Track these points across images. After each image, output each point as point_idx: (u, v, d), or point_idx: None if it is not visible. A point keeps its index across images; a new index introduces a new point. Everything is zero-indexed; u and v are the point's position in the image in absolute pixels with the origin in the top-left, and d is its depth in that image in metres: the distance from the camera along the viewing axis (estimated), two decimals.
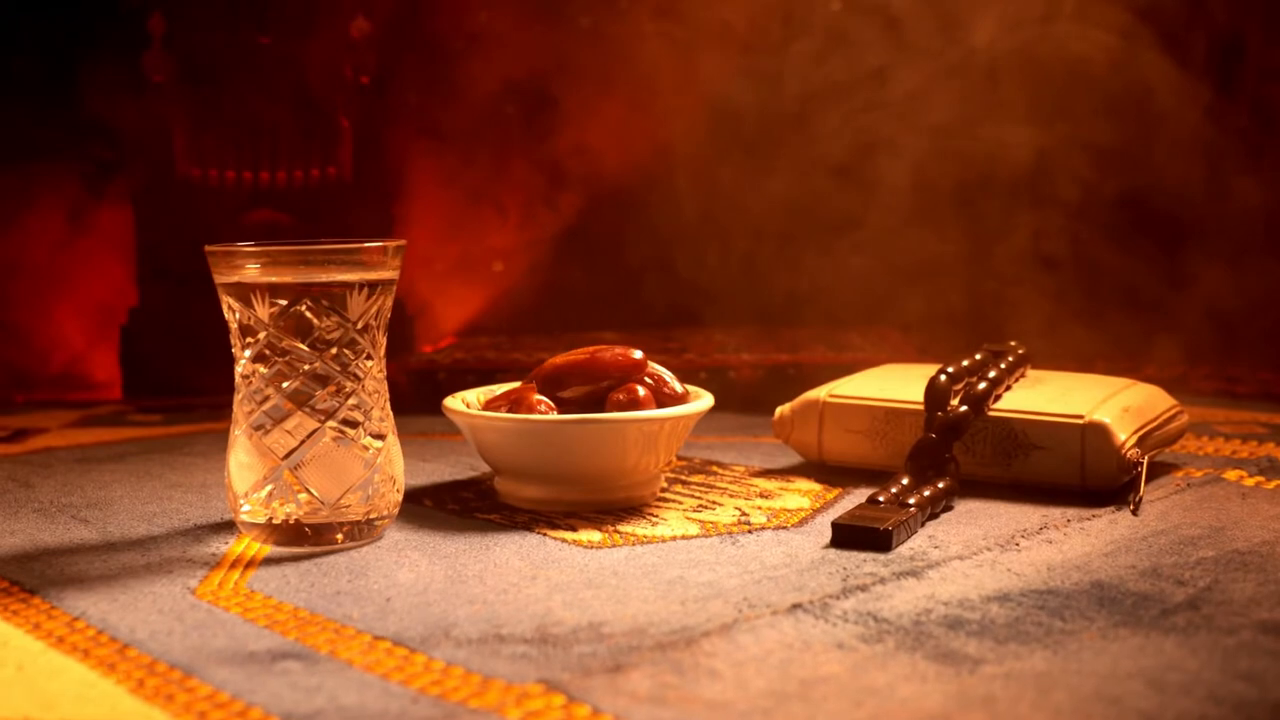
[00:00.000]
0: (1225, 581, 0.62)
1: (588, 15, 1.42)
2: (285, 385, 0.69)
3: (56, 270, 1.38)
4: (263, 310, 0.68)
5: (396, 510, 0.73)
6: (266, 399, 0.69)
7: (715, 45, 1.39)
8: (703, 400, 0.79)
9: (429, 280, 1.43)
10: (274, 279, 0.68)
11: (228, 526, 0.76)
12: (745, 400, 1.12)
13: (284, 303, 0.68)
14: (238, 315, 0.70)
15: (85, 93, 1.30)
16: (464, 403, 0.80)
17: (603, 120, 1.42)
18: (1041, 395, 0.83)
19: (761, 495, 0.81)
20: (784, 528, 0.73)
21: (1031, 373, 0.89)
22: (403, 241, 0.72)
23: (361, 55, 1.35)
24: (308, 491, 0.69)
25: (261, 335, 0.69)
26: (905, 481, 0.76)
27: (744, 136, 1.41)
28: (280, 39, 1.33)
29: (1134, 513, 0.75)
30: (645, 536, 0.72)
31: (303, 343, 0.69)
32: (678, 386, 0.79)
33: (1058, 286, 1.25)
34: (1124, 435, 0.78)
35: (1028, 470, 0.80)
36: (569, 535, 0.72)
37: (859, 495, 0.81)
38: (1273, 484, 0.82)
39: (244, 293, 0.69)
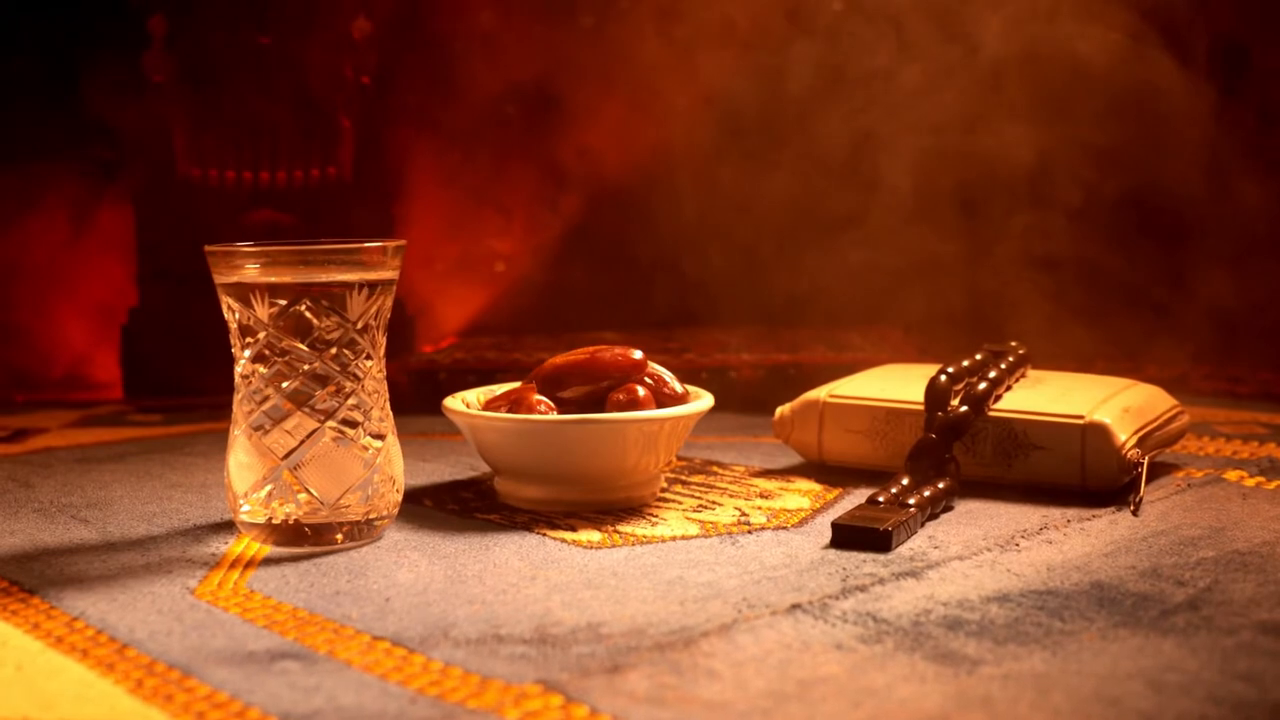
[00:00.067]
0: (1225, 582, 0.62)
1: (589, 15, 1.42)
2: (285, 385, 0.69)
3: (58, 271, 1.38)
4: (262, 310, 0.68)
5: (396, 510, 0.73)
6: (266, 399, 0.69)
7: (717, 45, 1.39)
8: (703, 400, 0.79)
9: (430, 280, 1.43)
10: (273, 279, 0.68)
11: (227, 526, 0.76)
12: (745, 400, 1.12)
13: (283, 303, 0.68)
14: (237, 315, 0.70)
15: (86, 93, 1.30)
16: (464, 403, 0.80)
17: (603, 120, 1.42)
18: (1042, 395, 0.83)
19: (761, 495, 0.81)
20: (784, 528, 0.73)
21: (1032, 373, 0.89)
22: (402, 241, 0.72)
23: (362, 55, 1.35)
24: (307, 491, 0.69)
25: (261, 335, 0.69)
26: (905, 482, 0.76)
27: (745, 137, 1.41)
28: (281, 39, 1.33)
29: (1134, 513, 0.75)
30: (645, 537, 0.72)
31: (302, 343, 0.69)
32: (678, 386, 0.79)
33: (1058, 286, 1.25)
34: (1124, 435, 0.78)
35: (1028, 470, 0.80)
36: (568, 535, 0.72)
37: (859, 495, 0.81)
38: (1273, 484, 0.82)
39: (243, 293, 0.69)
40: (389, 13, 1.38)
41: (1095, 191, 1.27)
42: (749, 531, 0.73)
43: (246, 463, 0.70)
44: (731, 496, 0.81)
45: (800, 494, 0.82)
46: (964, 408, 0.79)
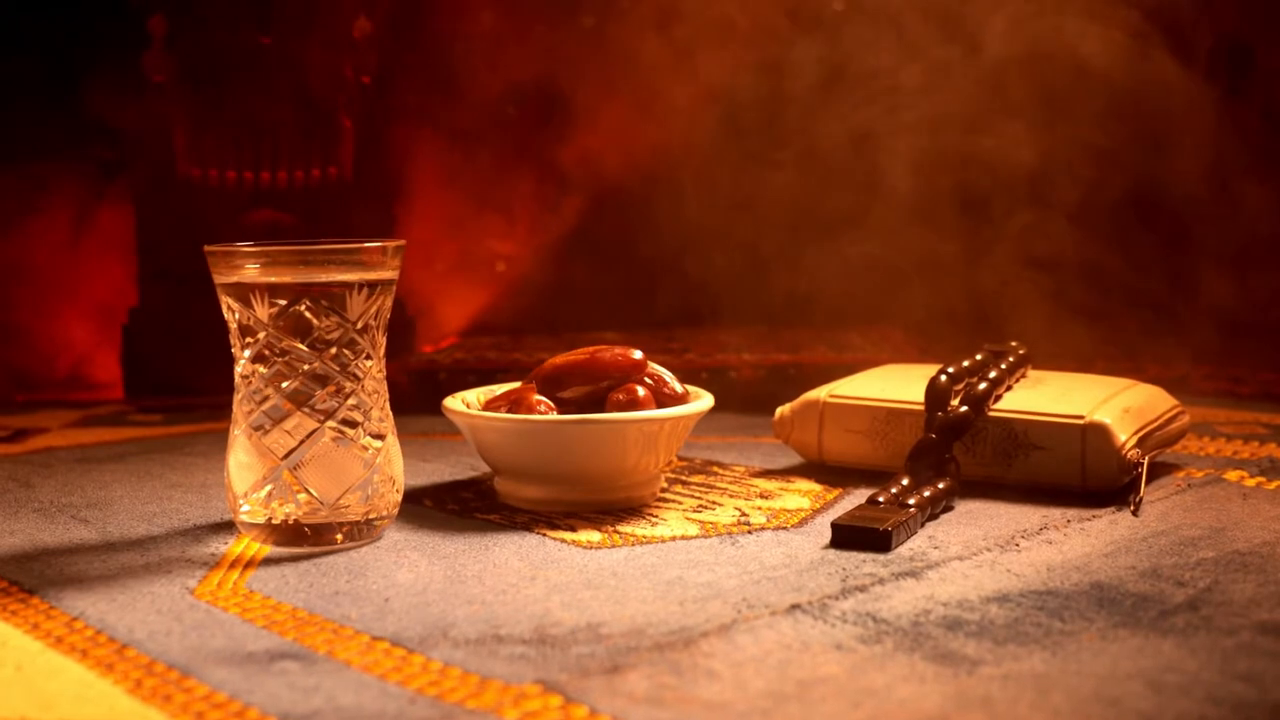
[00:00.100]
0: (1225, 582, 0.62)
1: (590, 15, 1.42)
2: (285, 385, 0.69)
3: (58, 271, 1.38)
4: (262, 310, 0.68)
5: (396, 510, 0.73)
6: (266, 399, 0.69)
7: (717, 45, 1.39)
8: (702, 400, 0.78)
9: (431, 280, 1.43)
10: (273, 279, 0.68)
11: (227, 526, 0.76)
12: (746, 400, 1.12)
13: (283, 303, 0.68)
14: (237, 315, 0.70)
15: (86, 93, 1.30)
16: (464, 403, 0.80)
17: (604, 120, 1.42)
18: (1042, 395, 0.83)
19: (761, 495, 0.81)
20: (784, 528, 0.73)
21: (1032, 373, 0.89)
22: (402, 241, 0.72)
23: (362, 55, 1.35)
24: (307, 492, 0.69)
25: (261, 335, 0.69)
26: (905, 482, 0.75)
27: (745, 137, 1.41)
28: (281, 39, 1.33)
29: (1134, 513, 0.75)
30: (644, 537, 0.72)
31: (302, 343, 0.69)
32: (677, 387, 0.79)
33: (1058, 286, 1.25)
34: (1124, 436, 0.78)
35: (1028, 471, 0.80)
36: (568, 536, 0.72)
37: (859, 496, 0.81)
38: (1274, 485, 0.81)
39: (243, 293, 0.69)
40: (389, 13, 1.38)
41: (1096, 191, 1.27)
42: (749, 532, 0.73)
43: (246, 463, 0.70)
44: (731, 497, 0.81)
45: (800, 494, 0.81)
46: (964, 408, 0.79)
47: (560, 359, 0.79)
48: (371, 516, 0.71)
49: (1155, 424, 0.82)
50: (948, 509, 0.76)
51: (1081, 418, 0.79)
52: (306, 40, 1.33)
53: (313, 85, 1.34)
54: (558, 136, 1.44)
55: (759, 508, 0.78)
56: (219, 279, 0.70)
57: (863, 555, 0.67)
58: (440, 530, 0.74)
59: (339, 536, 0.70)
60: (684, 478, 0.87)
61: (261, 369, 0.69)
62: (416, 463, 0.92)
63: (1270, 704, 0.48)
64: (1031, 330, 1.14)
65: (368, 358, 0.70)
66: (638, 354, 0.78)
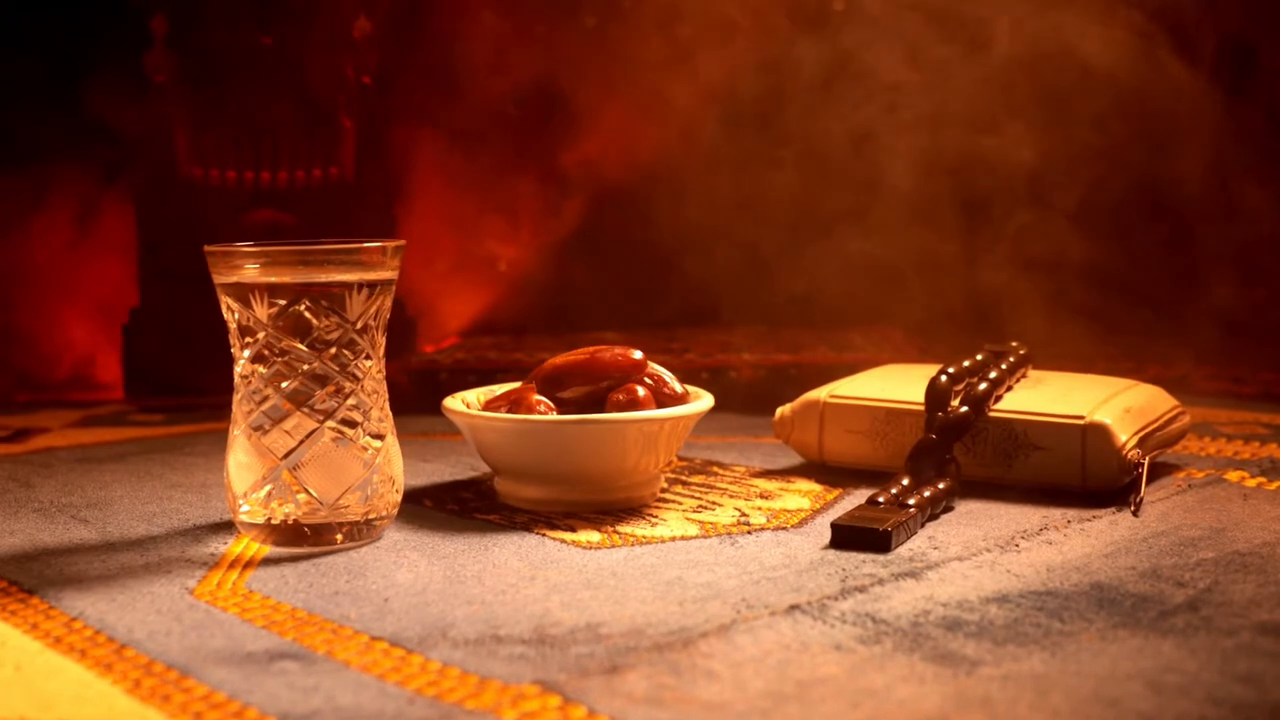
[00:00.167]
0: (1225, 583, 0.61)
1: (591, 15, 1.42)
2: (284, 385, 0.69)
3: (59, 272, 1.38)
4: (261, 310, 0.68)
5: (395, 510, 0.73)
6: (265, 399, 0.69)
7: (718, 44, 1.38)
8: (702, 400, 0.78)
9: (431, 280, 1.43)
10: (273, 279, 0.68)
11: (227, 527, 0.76)
12: (746, 400, 1.12)
13: (283, 303, 0.68)
14: (237, 315, 0.70)
15: (87, 93, 1.30)
16: (464, 403, 0.80)
17: (605, 119, 1.42)
18: (1042, 396, 0.83)
19: (761, 496, 0.81)
20: (783, 528, 0.73)
21: (1032, 373, 0.89)
22: (401, 241, 0.72)
23: (363, 55, 1.35)
24: (306, 492, 0.69)
25: (260, 335, 0.69)
26: (905, 482, 0.75)
27: (746, 137, 1.40)
28: (281, 39, 1.33)
29: (1134, 514, 0.75)
30: (644, 537, 0.72)
31: (302, 343, 0.68)
32: (677, 387, 0.79)
33: (1059, 286, 1.25)
34: (1125, 436, 0.78)
35: (1028, 471, 0.80)
36: (568, 536, 0.72)
37: (859, 496, 0.81)
38: (1274, 485, 0.81)
39: (243, 293, 0.69)
40: (389, 13, 1.38)
41: (1097, 191, 1.27)
42: (749, 532, 0.73)
43: (246, 463, 0.70)
44: (731, 497, 0.81)
45: (800, 494, 0.81)
46: (964, 408, 0.79)
47: (560, 359, 0.79)
48: (371, 516, 0.71)
49: (1156, 424, 0.82)
50: (948, 509, 0.76)
51: (1082, 418, 0.78)
52: (307, 40, 1.33)
53: (313, 85, 1.34)
54: (558, 136, 1.44)
55: (759, 508, 0.78)
56: (219, 279, 0.70)
57: (862, 556, 0.67)
58: (440, 530, 0.74)
59: (338, 537, 0.70)
60: (684, 478, 0.87)
61: (261, 369, 0.69)
62: (416, 463, 0.92)
63: (1270, 704, 0.48)
64: (1032, 330, 1.13)
65: (367, 358, 0.70)
66: (638, 354, 0.78)
